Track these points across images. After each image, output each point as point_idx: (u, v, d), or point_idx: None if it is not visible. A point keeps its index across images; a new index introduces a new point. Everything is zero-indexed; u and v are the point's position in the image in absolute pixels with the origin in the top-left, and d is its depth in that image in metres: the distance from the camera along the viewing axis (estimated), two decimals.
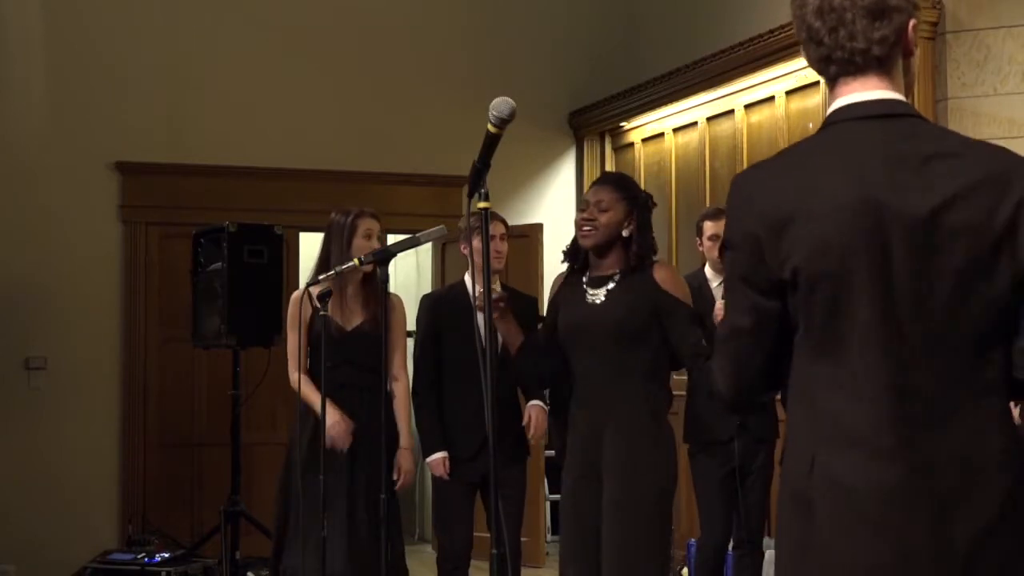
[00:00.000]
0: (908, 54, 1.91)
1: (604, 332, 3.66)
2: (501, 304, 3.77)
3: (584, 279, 3.78)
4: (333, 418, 4.45)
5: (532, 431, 4.65)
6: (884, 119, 1.85)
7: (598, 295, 3.71)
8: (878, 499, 1.76)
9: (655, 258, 3.79)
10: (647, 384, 3.65)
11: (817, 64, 1.93)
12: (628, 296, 3.67)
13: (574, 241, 3.83)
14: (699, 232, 5.14)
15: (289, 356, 4.62)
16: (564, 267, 3.95)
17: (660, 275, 3.70)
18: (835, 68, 1.90)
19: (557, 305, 3.86)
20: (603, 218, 3.70)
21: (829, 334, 1.81)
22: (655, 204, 3.88)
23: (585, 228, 3.72)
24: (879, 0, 1.86)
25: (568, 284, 3.85)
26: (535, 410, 4.65)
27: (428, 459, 4.59)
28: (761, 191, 1.87)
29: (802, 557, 1.84)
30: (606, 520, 3.59)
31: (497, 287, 4.61)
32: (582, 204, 3.79)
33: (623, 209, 3.72)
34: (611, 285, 3.71)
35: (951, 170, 1.80)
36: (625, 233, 3.72)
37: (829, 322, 1.81)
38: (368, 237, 4.64)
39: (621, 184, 3.82)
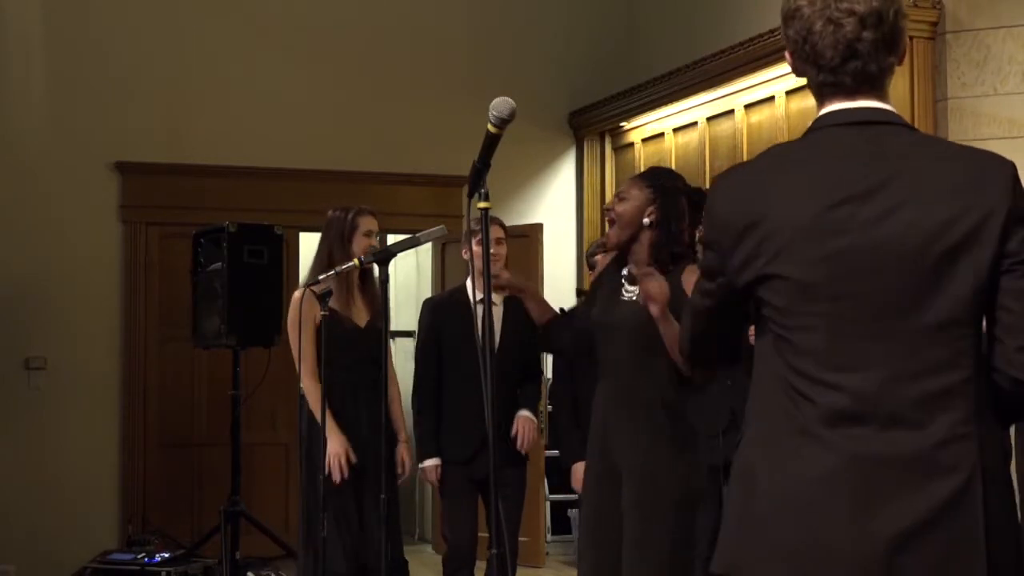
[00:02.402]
0: (899, 64, 1.93)
1: (626, 334, 3.60)
2: (501, 282, 3.75)
3: (624, 272, 3.71)
4: (336, 447, 4.45)
5: (521, 442, 4.66)
6: (866, 125, 1.86)
7: (632, 293, 3.62)
8: (809, 484, 1.79)
9: (692, 258, 3.67)
10: (668, 386, 3.58)
11: (816, 85, 1.92)
12: None
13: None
14: None
15: (304, 359, 4.57)
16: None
17: (688, 277, 3.54)
18: (836, 90, 1.90)
19: (596, 291, 3.82)
20: (620, 207, 3.62)
21: (791, 334, 1.85)
22: (700, 197, 3.68)
23: (610, 227, 3.67)
24: (893, 31, 1.87)
25: (609, 274, 3.79)
26: (523, 420, 4.66)
27: (422, 465, 4.61)
28: (734, 194, 1.92)
29: (734, 531, 1.89)
30: (626, 522, 3.54)
31: (498, 297, 4.60)
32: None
33: (644, 197, 3.61)
34: None
35: (922, 175, 1.81)
36: (646, 221, 3.60)
37: (787, 322, 1.85)
38: (368, 235, 4.66)
39: (648, 173, 3.75)
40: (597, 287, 3.83)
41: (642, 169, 7.74)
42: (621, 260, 3.73)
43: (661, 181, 3.68)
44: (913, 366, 1.79)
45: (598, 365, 3.75)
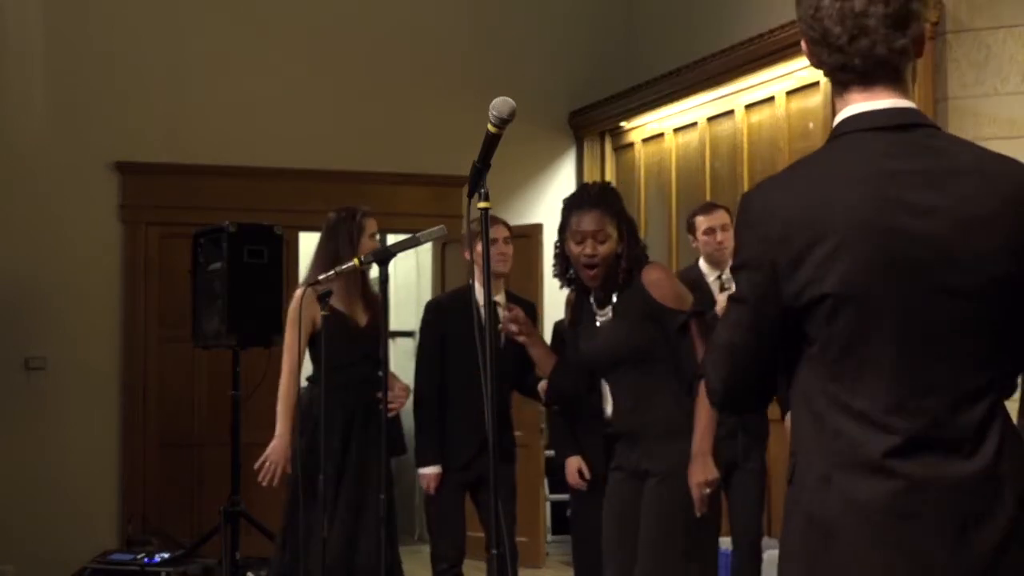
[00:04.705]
0: (917, 56, 1.88)
1: (615, 355, 3.65)
2: (514, 327, 3.72)
3: (591, 297, 3.74)
4: (281, 447, 4.59)
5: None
6: (897, 130, 1.81)
7: (605, 314, 3.69)
8: (898, 518, 1.74)
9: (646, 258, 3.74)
10: (675, 390, 3.62)
11: (829, 69, 1.87)
12: (626, 316, 3.64)
13: (563, 261, 3.75)
14: (691, 228, 5.14)
15: (287, 352, 4.64)
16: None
17: (648, 279, 3.63)
18: (849, 76, 1.84)
19: (576, 328, 3.82)
20: (603, 249, 3.60)
21: (847, 357, 1.78)
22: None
23: (590, 272, 3.63)
24: (903, 9, 1.81)
25: (579, 306, 3.81)
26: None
27: (421, 471, 4.58)
28: (777, 211, 1.80)
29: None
30: (643, 521, 3.57)
31: (501, 297, 4.59)
32: (576, 236, 3.62)
33: (616, 229, 3.64)
34: (613, 300, 3.68)
35: (970, 189, 1.77)
36: (619, 251, 3.65)
37: (848, 346, 1.77)
38: (372, 237, 4.73)
39: (606, 203, 3.66)
40: (576, 325, 3.84)
41: (642, 169, 7.80)
42: (585, 288, 3.76)
43: (618, 207, 3.69)
44: (971, 386, 1.77)
45: (599, 379, 3.79)
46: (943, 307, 1.76)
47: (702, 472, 3.51)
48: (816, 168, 1.85)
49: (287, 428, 4.58)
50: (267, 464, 4.61)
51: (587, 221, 3.61)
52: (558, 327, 4.83)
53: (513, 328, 3.72)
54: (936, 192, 1.76)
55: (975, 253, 1.75)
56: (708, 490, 3.52)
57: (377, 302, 4.50)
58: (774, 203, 1.82)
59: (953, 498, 1.74)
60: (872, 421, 1.76)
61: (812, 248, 1.76)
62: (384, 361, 3.97)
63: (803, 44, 1.91)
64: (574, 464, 4.70)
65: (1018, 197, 1.78)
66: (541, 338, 3.90)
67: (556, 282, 3.94)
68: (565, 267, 3.76)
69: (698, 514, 3.52)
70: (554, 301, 6.87)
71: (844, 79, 1.85)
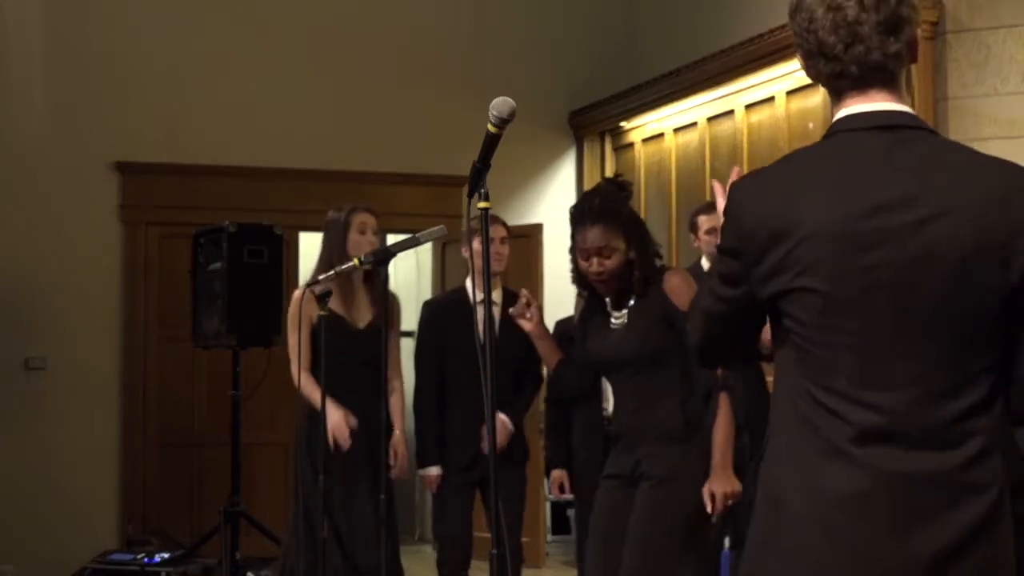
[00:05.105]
0: (912, 62, 1.91)
1: (626, 359, 3.63)
2: (528, 315, 3.70)
3: (607, 300, 3.72)
4: (335, 418, 4.41)
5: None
6: (888, 130, 1.83)
7: (621, 318, 3.66)
8: (844, 502, 1.76)
9: (662, 263, 3.70)
10: (680, 395, 3.60)
11: (826, 79, 1.90)
12: (643, 320, 3.61)
13: (577, 271, 3.71)
14: (694, 227, 5.15)
15: (291, 354, 4.62)
16: (564, 267, 3.91)
17: (669, 285, 3.59)
18: (846, 83, 1.87)
19: (586, 326, 3.81)
20: (610, 264, 3.56)
21: (813, 348, 1.81)
22: (630, 192, 3.72)
23: (601, 285, 3.62)
24: (895, 14, 1.84)
25: (592, 305, 3.79)
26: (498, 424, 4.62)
27: (422, 472, 4.58)
28: (756, 204, 1.86)
29: (762, 549, 1.86)
30: (635, 520, 3.55)
31: (498, 295, 4.59)
32: (582, 253, 3.59)
33: (623, 240, 3.58)
34: (631, 303, 3.65)
35: (958, 192, 1.78)
36: (630, 257, 3.60)
37: (814, 340, 1.81)
38: (362, 232, 4.64)
39: (609, 216, 3.59)
40: (584, 325, 3.83)
41: (642, 169, 7.80)
42: (599, 294, 3.74)
43: (625, 219, 3.62)
44: (943, 384, 1.77)
45: (599, 385, 3.78)
46: (913, 307, 1.77)
47: (727, 484, 3.51)
48: (803, 164, 1.89)
49: (335, 408, 4.39)
50: (340, 438, 4.43)
51: (591, 238, 3.56)
52: (561, 325, 4.83)
53: (526, 315, 3.69)
54: (922, 194, 1.78)
55: (957, 256, 1.76)
56: (731, 501, 3.50)
57: (382, 302, 4.49)
58: (754, 197, 1.88)
59: (907, 491, 1.75)
60: (835, 411, 1.79)
61: (781, 243, 1.81)
62: (385, 362, 3.98)
63: (799, 57, 1.93)
64: (557, 477, 4.77)
65: (1007, 202, 1.79)
66: (548, 332, 3.88)
67: (556, 282, 3.92)
68: (580, 274, 3.72)
69: (709, 510, 3.50)
70: (554, 300, 6.88)
71: (840, 86, 1.89)
